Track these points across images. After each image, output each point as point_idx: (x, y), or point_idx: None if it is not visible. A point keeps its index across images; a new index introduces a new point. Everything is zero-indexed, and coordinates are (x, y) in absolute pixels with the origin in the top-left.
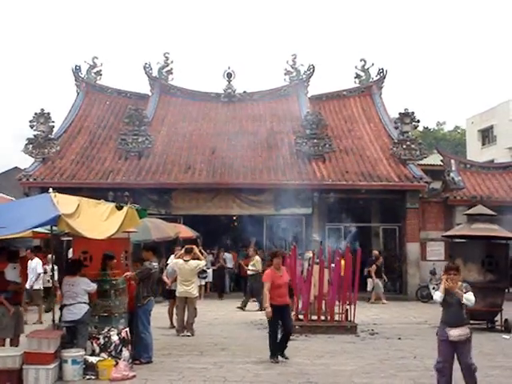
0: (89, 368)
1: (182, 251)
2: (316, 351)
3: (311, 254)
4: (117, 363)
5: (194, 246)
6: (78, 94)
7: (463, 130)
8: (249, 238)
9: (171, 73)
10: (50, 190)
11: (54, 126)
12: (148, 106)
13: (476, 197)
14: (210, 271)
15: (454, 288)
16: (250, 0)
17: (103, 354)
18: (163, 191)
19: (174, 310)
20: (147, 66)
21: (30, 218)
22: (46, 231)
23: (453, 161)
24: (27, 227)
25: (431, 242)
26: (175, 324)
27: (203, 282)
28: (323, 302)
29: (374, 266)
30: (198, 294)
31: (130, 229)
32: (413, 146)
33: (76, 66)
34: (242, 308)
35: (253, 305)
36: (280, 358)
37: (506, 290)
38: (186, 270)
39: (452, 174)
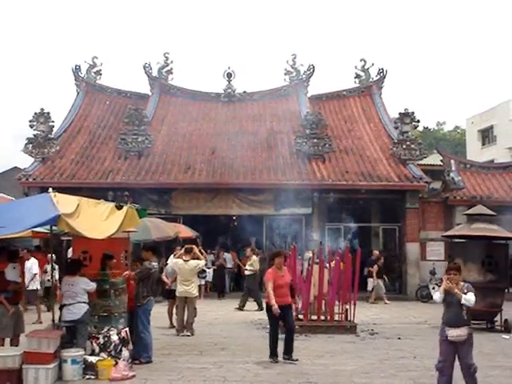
0: (88, 368)
1: (182, 251)
2: (316, 351)
3: (311, 254)
4: (116, 363)
5: (194, 246)
6: (78, 93)
7: (463, 130)
8: (248, 238)
9: (171, 73)
10: (50, 189)
11: (53, 126)
12: (148, 105)
13: (476, 197)
14: (210, 271)
15: (454, 289)
16: (250, 0)
17: (103, 354)
18: (163, 191)
19: (174, 309)
20: (147, 65)
21: (30, 218)
22: (46, 231)
23: (453, 161)
24: (27, 227)
25: (431, 242)
26: (175, 324)
27: (203, 282)
28: (323, 301)
29: (375, 267)
30: (197, 294)
31: (130, 228)
32: (413, 146)
33: (76, 65)
34: (241, 308)
35: (252, 304)
36: (288, 361)
37: (506, 290)
38: (185, 269)
39: (452, 174)
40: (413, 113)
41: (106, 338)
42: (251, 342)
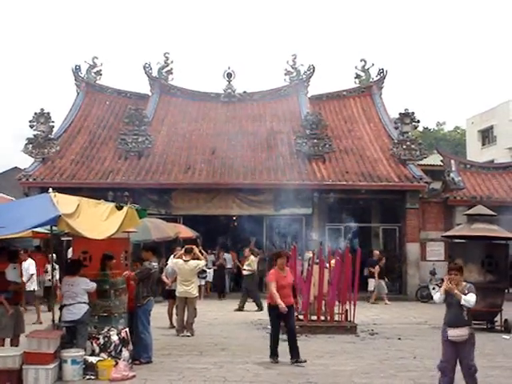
0: (88, 368)
1: (182, 251)
2: (316, 351)
3: (311, 254)
4: (116, 363)
5: (194, 246)
6: (78, 93)
7: (463, 130)
8: (249, 238)
9: (171, 73)
10: (50, 189)
11: (53, 126)
12: (148, 105)
13: (476, 197)
14: (210, 271)
15: (454, 289)
16: (250, 0)
17: (103, 354)
18: (163, 191)
19: (174, 310)
20: (147, 66)
21: (30, 218)
22: (46, 231)
23: (453, 161)
24: (27, 227)
25: (431, 243)
26: (175, 324)
27: (203, 282)
28: (323, 302)
29: (377, 267)
30: (197, 294)
31: (130, 229)
32: (413, 146)
33: (76, 65)
34: (240, 309)
35: (252, 305)
36: (296, 363)
37: (506, 291)
38: (185, 270)
39: (452, 175)
40: (413, 113)
41: (106, 339)
42: (251, 342)
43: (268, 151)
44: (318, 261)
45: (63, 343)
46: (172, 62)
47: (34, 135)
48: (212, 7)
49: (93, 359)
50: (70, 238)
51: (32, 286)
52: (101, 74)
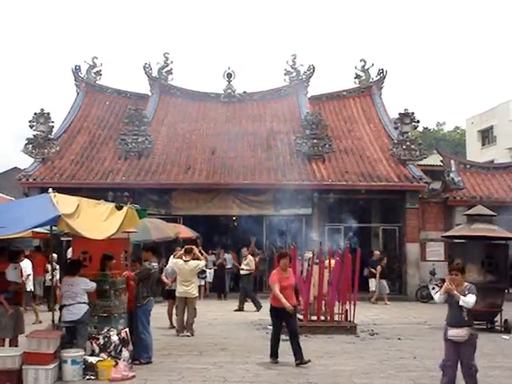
0: (88, 368)
1: (182, 251)
2: (316, 351)
3: (311, 255)
4: (116, 363)
5: (194, 247)
6: (78, 93)
7: (463, 130)
8: (249, 238)
9: (171, 73)
10: (50, 190)
11: (53, 126)
12: (148, 106)
13: (476, 197)
14: (211, 271)
15: (453, 290)
16: (250, 0)
17: (103, 355)
18: (163, 191)
19: (174, 310)
20: (147, 66)
21: (30, 218)
22: (46, 231)
23: (452, 161)
24: (27, 227)
25: (431, 243)
26: (175, 324)
27: (203, 283)
28: (323, 302)
29: (379, 267)
30: (197, 294)
31: (130, 229)
32: (413, 146)
33: (76, 66)
34: (240, 309)
35: (251, 305)
36: (301, 365)
37: (506, 291)
38: (185, 270)
39: (452, 175)
40: (413, 113)
41: (106, 339)
42: (251, 342)
43: (268, 151)
44: (317, 261)
45: (63, 343)
46: (172, 62)
47: (34, 135)
48: (212, 7)
49: (93, 359)
50: (70, 238)
51: (28, 286)
52: (101, 74)
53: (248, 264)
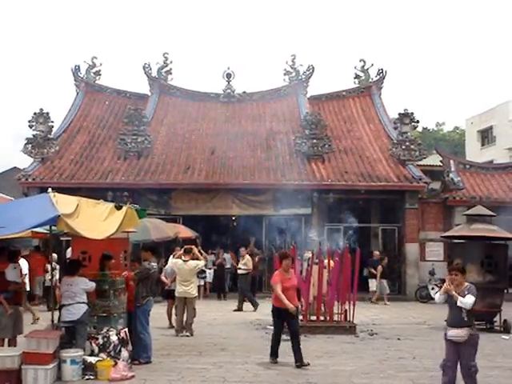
0: (88, 368)
1: (182, 251)
2: (315, 351)
3: (310, 255)
4: (116, 363)
5: (193, 247)
6: (78, 93)
7: (462, 130)
8: (248, 238)
9: (170, 73)
10: (49, 189)
11: (53, 126)
12: (147, 105)
13: (475, 197)
14: (211, 271)
15: (452, 290)
16: (250, 0)
17: (102, 354)
18: (162, 191)
19: (173, 310)
20: (146, 66)
21: (29, 218)
22: (45, 231)
23: (452, 161)
24: (26, 227)
25: (430, 243)
26: (174, 324)
27: (202, 283)
28: (322, 302)
29: (380, 267)
30: (196, 294)
31: (130, 229)
32: (412, 146)
33: (75, 65)
34: (239, 309)
35: (250, 305)
36: (301, 367)
37: (505, 291)
38: (185, 270)
39: (451, 175)
40: (412, 113)
41: (106, 339)
42: (250, 342)
43: (267, 151)
44: (317, 261)
45: (62, 343)
46: (171, 62)
47: (34, 135)
48: (212, 7)
49: (92, 359)
50: (69, 238)
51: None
52: (100, 74)
53: (246, 264)
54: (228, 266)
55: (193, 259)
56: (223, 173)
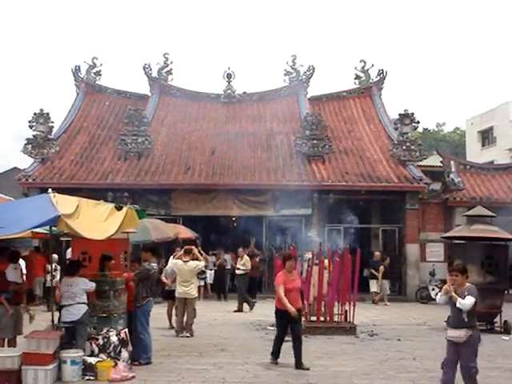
0: (88, 369)
1: (182, 252)
2: (315, 352)
3: (310, 255)
4: (116, 364)
5: (194, 247)
6: (78, 94)
7: (463, 131)
8: (248, 238)
9: (171, 73)
10: (50, 190)
11: (53, 127)
12: (147, 106)
13: (476, 198)
14: (212, 272)
15: (451, 291)
16: (250, 0)
17: (102, 355)
18: (163, 192)
19: (174, 310)
20: (147, 66)
21: (30, 219)
22: (46, 231)
23: (452, 162)
24: (26, 227)
25: (431, 244)
26: (174, 325)
27: (202, 283)
28: (322, 302)
29: (382, 267)
30: (197, 295)
31: (130, 229)
32: (412, 147)
33: (76, 66)
34: (240, 310)
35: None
36: (301, 369)
37: (506, 292)
38: (185, 270)
39: (452, 175)
40: (412, 114)
41: (106, 339)
42: (250, 343)
43: (268, 152)
44: (317, 261)
45: (62, 344)
46: (172, 62)
47: (34, 135)
48: (212, 7)
49: (92, 360)
50: (69, 239)
51: None
52: (100, 75)
53: (244, 264)
54: (228, 266)
55: (193, 260)
56: (223, 173)
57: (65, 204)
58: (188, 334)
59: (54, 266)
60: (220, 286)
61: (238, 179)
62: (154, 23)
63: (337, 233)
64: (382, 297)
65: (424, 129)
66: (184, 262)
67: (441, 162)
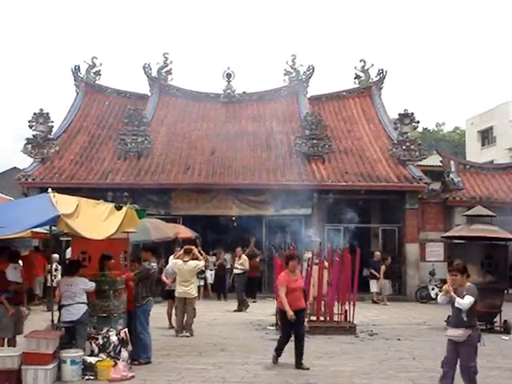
0: (87, 368)
1: (181, 252)
2: (315, 352)
3: (310, 255)
4: (115, 364)
5: (193, 247)
6: (78, 93)
7: (463, 130)
8: (248, 238)
9: (170, 73)
10: (49, 190)
11: (53, 126)
12: (147, 106)
13: (475, 198)
14: (212, 273)
15: (450, 291)
16: (249, 0)
17: (102, 355)
18: (162, 191)
19: (173, 310)
20: (146, 66)
21: (29, 218)
22: (45, 231)
23: (452, 162)
24: (26, 227)
25: (430, 243)
26: (174, 324)
27: (202, 283)
28: (322, 302)
29: (383, 267)
30: (196, 295)
31: (129, 229)
32: (412, 146)
33: (75, 65)
34: (240, 310)
35: (252, 306)
36: (301, 369)
37: (506, 291)
38: (184, 270)
39: (451, 175)
40: (412, 113)
41: (105, 339)
42: (250, 342)
43: (267, 151)
44: (317, 261)
45: (62, 343)
46: (171, 62)
47: (34, 135)
48: (211, 7)
49: (92, 359)
50: (69, 239)
51: None
52: (100, 74)
53: (242, 264)
54: (228, 266)
55: (193, 259)
56: (223, 173)
57: (64, 204)
58: (188, 334)
59: (55, 266)
60: (220, 286)
61: (237, 179)
62: (153, 23)
63: (336, 232)
64: (383, 297)
65: (424, 128)
66: (184, 261)
67: (440, 161)
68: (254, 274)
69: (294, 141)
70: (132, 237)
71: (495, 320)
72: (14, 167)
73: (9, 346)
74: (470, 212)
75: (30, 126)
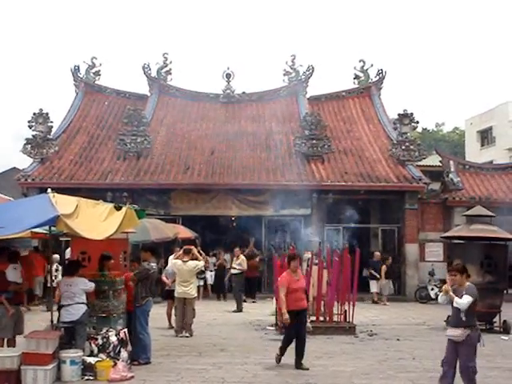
0: (87, 369)
1: (181, 252)
2: (315, 352)
3: (310, 255)
4: (115, 364)
5: (193, 247)
6: (77, 94)
7: (462, 131)
8: (248, 238)
9: (170, 73)
10: (49, 190)
11: (52, 127)
12: (147, 106)
13: (475, 198)
14: (212, 274)
15: (449, 291)
16: (249, 0)
17: (101, 355)
18: (162, 192)
19: (173, 310)
20: (146, 66)
21: (29, 218)
22: (45, 231)
23: (452, 162)
24: (26, 227)
25: (430, 243)
26: (174, 325)
27: (201, 283)
28: (322, 302)
29: (384, 267)
30: (196, 295)
31: (129, 229)
32: (412, 146)
33: (75, 66)
34: (240, 310)
35: (251, 306)
36: (301, 369)
37: (505, 291)
38: (184, 270)
39: (451, 175)
40: (412, 114)
41: (105, 339)
42: (250, 343)
43: (267, 152)
44: (316, 261)
45: (62, 344)
46: (171, 62)
47: (33, 135)
48: (211, 7)
49: (91, 360)
50: (69, 239)
51: None
52: (100, 75)
53: (240, 264)
54: (228, 266)
55: (192, 260)
56: (223, 173)
57: (64, 204)
58: (187, 334)
59: (55, 267)
60: (220, 286)
61: (237, 179)
62: (153, 23)
63: (336, 233)
64: (383, 297)
65: (423, 129)
66: (183, 261)
67: (440, 161)
68: (253, 275)
69: (293, 141)
70: (131, 237)
71: (495, 320)
72: (14, 167)
73: (8, 346)
74: (469, 212)
75: (30, 126)
